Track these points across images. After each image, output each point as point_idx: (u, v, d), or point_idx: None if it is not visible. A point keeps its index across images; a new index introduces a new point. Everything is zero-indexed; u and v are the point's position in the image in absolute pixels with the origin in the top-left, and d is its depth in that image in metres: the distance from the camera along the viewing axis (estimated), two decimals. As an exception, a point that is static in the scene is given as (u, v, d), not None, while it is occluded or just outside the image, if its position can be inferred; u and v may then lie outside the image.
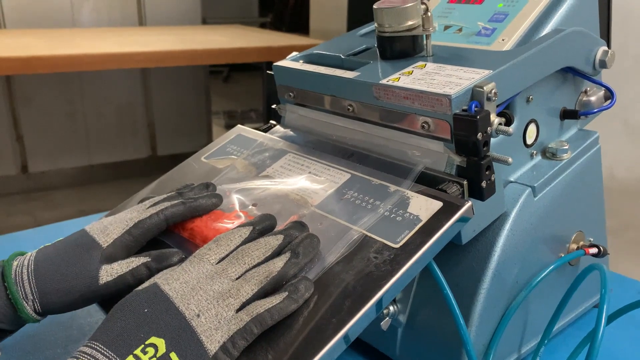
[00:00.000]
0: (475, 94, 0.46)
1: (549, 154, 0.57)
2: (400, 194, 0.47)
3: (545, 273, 0.53)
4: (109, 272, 0.45)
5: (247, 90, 5.05)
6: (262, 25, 5.18)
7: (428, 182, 0.48)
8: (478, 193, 0.47)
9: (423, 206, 0.45)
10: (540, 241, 0.54)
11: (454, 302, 0.46)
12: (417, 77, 0.50)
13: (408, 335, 0.53)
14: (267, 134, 0.64)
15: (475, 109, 0.45)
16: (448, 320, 0.50)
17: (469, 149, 0.46)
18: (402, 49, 0.55)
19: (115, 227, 0.47)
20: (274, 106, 0.66)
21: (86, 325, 0.64)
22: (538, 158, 0.57)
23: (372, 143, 0.54)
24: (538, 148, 0.57)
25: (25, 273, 0.44)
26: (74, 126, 3.02)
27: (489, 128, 0.45)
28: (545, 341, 0.56)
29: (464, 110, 0.46)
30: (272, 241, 0.43)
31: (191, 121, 3.24)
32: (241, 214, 0.50)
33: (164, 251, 0.47)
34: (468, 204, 0.44)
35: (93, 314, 0.65)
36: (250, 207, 0.51)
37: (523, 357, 0.57)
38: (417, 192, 0.47)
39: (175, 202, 0.50)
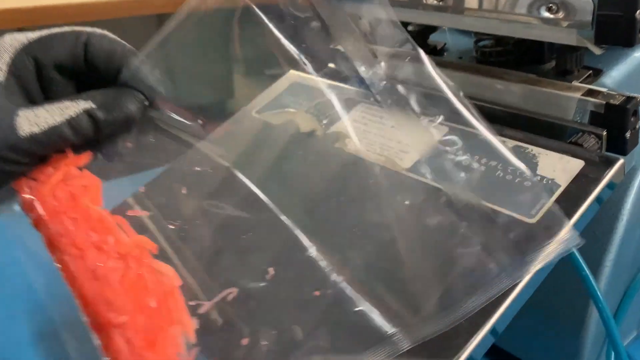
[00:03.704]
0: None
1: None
2: (522, 149, 0.37)
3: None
4: (32, 120, 0.31)
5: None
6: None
7: (553, 134, 0.38)
8: (619, 145, 0.37)
9: (557, 166, 0.35)
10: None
11: (595, 285, 0.37)
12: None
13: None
14: (328, 81, 0.54)
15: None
16: (572, 301, 0.41)
17: (619, 30, 0.35)
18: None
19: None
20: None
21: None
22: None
23: (470, 81, 0.44)
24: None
25: None
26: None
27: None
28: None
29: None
30: None
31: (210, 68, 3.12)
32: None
33: (114, 91, 0.32)
34: (620, 162, 0.34)
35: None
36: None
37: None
38: (543, 147, 0.37)
39: None
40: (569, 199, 0.33)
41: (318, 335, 0.33)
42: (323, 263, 0.36)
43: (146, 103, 0.33)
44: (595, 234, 0.42)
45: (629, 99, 0.36)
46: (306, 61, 0.44)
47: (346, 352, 0.32)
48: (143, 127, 0.34)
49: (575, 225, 0.32)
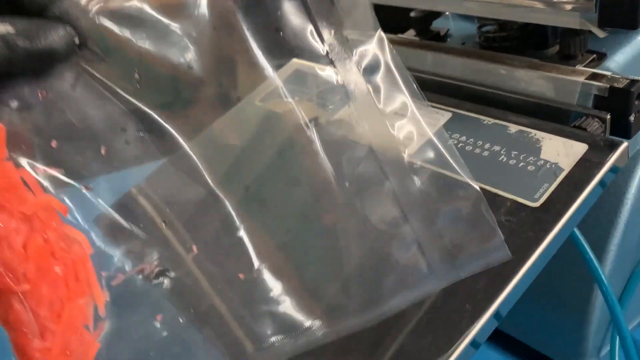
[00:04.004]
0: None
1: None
2: (526, 134, 0.37)
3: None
4: None
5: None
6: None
7: (557, 119, 0.38)
8: (623, 129, 0.37)
9: (561, 150, 0.35)
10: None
11: (600, 269, 0.37)
12: None
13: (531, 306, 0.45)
14: (331, 67, 0.53)
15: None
16: (577, 285, 0.41)
17: (623, 12, 0.34)
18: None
19: None
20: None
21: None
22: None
23: (473, 67, 0.44)
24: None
25: None
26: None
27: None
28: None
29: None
30: None
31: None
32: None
33: (39, 20, 0.28)
34: (624, 145, 0.34)
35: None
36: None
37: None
38: (547, 131, 0.37)
39: None
40: (573, 183, 0.33)
41: (234, 319, 0.32)
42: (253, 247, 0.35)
43: (76, 40, 0.28)
44: (600, 218, 0.42)
45: (633, 82, 0.36)
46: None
47: (260, 339, 0.32)
48: (66, 74, 0.30)
49: (579, 209, 0.32)
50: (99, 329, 0.27)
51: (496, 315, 0.30)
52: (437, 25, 0.53)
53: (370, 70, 0.42)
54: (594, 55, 0.40)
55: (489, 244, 0.30)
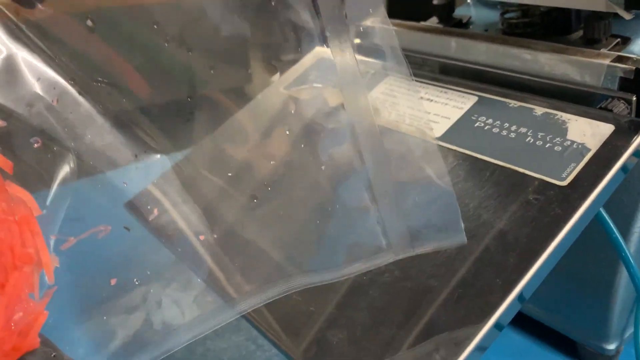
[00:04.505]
0: None
1: None
2: (552, 116, 0.38)
3: None
4: None
5: None
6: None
7: (582, 101, 0.39)
8: (648, 111, 0.37)
9: (587, 131, 0.36)
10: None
11: (626, 248, 0.37)
12: None
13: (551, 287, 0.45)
14: (355, 55, 0.54)
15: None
16: (601, 266, 0.41)
17: None
18: None
19: None
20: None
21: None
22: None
23: (497, 52, 0.44)
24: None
25: None
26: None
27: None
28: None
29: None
30: None
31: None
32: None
33: None
34: (651, 126, 0.35)
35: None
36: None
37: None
38: (573, 113, 0.37)
39: None
40: (600, 162, 0.34)
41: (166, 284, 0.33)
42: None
43: None
44: (623, 200, 0.43)
45: (660, 62, 0.37)
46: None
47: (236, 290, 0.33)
48: None
49: (605, 187, 0.33)
50: (46, 296, 0.25)
51: (520, 297, 0.31)
52: (460, 12, 0.53)
53: (365, 49, 0.43)
54: (618, 39, 0.41)
55: (449, 228, 0.32)
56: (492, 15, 0.51)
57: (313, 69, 0.55)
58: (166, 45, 0.34)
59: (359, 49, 0.53)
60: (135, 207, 0.33)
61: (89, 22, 0.29)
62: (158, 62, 0.34)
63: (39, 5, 0.27)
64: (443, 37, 0.48)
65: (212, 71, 0.40)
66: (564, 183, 0.34)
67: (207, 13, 0.37)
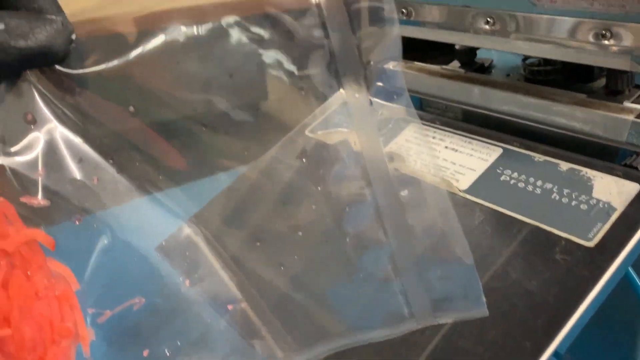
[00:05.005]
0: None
1: None
2: (577, 172, 0.38)
3: None
4: None
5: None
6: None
7: (606, 156, 0.39)
8: (674, 166, 0.38)
9: (613, 189, 0.36)
10: None
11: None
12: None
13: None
14: (376, 99, 0.55)
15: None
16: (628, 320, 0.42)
17: None
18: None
19: None
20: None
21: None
22: None
23: (520, 101, 0.45)
24: None
25: None
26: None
27: None
28: None
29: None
30: None
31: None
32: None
33: (30, 14, 0.24)
34: (677, 186, 0.35)
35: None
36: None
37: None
38: (598, 170, 0.38)
39: None
40: (626, 223, 0.34)
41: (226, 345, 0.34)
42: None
43: (73, 36, 0.26)
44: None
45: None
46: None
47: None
48: None
49: (633, 249, 0.33)
50: None
51: (555, 354, 0.31)
52: (481, 55, 0.54)
53: (386, 93, 0.44)
54: (642, 91, 0.42)
55: (471, 301, 0.32)
56: (514, 59, 0.52)
57: (338, 112, 0.56)
58: (204, 129, 0.35)
59: (379, 93, 0.54)
60: (166, 278, 0.35)
61: (131, 108, 0.30)
62: (197, 143, 0.35)
63: (83, 91, 0.29)
64: (466, 85, 0.49)
65: (246, 152, 0.41)
66: (591, 244, 0.34)
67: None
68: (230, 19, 0.34)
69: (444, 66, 0.54)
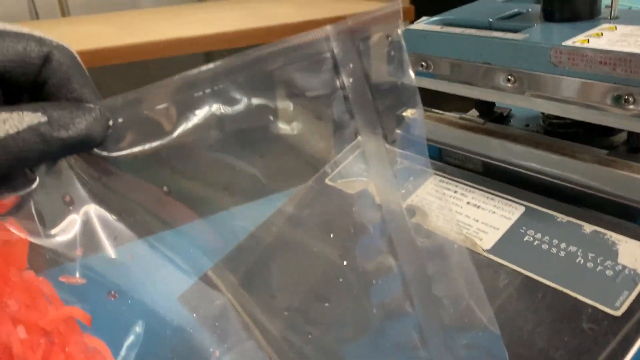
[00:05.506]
0: None
1: None
2: (601, 236, 0.38)
3: None
4: None
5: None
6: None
7: (629, 216, 0.39)
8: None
9: (638, 255, 0.36)
10: None
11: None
12: (613, 39, 0.40)
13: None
14: (396, 149, 0.55)
15: None
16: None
17: None
18: (578, 8, 0.46)
19: None
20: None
21: None
22: None
23: (541, 157, 0.45)
24: None
25: None
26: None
27: None
28: None
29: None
30: None
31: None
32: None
33: (70, 104, 0.26)
34: None
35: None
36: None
37: None
38: (622, 234, 0.38)
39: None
40: (653, 292, 0.35)
41: None
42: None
43: (110, 122, 0.27)
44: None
45: None
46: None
47: None
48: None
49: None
50: None
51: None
52: (500, 104, 0.54)
53: (407, 141, 0.44)
54: (663, 149, 0.42)
55: None
56: (533, 110, 0.52)
57: (358, 160, 0.56)
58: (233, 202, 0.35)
59: (398, 141, 0.54)
60: (197, 349, 0.35)
61: (165, 188, 0.31)
62: (228, 221, 0.36)
63: (118, 172, 0.29)
64: (485, 137, 0.49)
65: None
66: (618, 313, 0.34)
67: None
68: (255, 100, 0.34)
69: (463, 115, 0.54)
